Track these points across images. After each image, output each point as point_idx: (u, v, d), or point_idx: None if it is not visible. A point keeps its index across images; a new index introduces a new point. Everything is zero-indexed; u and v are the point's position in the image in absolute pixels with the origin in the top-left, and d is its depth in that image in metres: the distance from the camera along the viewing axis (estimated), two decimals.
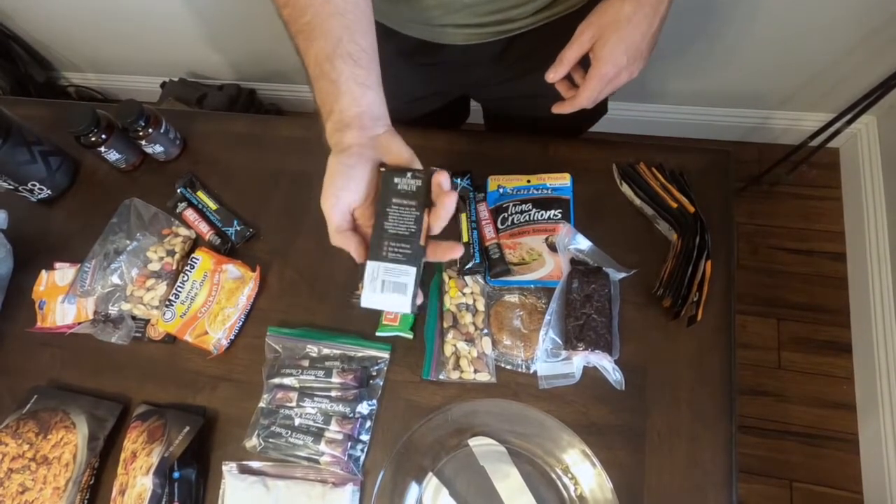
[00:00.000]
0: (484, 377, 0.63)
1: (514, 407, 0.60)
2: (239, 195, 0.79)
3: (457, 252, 0.46)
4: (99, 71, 1.75)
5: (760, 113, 1.43)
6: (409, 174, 0.45)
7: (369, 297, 0.43)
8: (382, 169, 0.46)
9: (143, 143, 0.78)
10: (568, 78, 0.57)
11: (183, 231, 0.75)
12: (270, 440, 0.61)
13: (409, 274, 0.43)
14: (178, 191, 0.78)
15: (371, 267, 0.43)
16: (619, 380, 0.61)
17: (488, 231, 0.70)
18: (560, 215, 0.71)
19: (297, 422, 0.62)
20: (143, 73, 1.69)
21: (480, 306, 0.67)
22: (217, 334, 0.67)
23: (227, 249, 0.75)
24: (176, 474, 0.60)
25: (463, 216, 0.71)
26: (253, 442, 0.62)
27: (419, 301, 0.46)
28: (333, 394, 0.63)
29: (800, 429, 1.25)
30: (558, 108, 0.59)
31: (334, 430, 0.61)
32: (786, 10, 1.10)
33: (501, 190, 0.74)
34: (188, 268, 0.71)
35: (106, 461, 0.65)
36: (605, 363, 0.62)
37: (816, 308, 1.34)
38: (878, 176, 1.32)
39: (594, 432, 0.60)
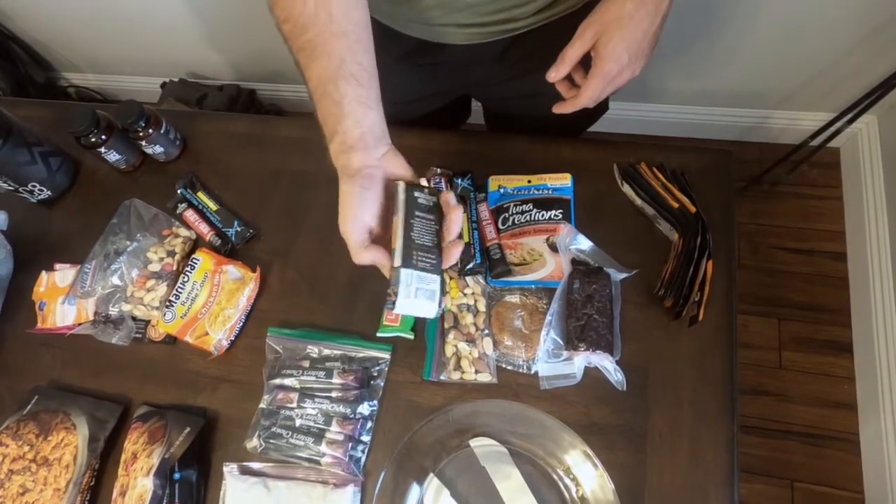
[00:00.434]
0: (485, 378, 0.63)
1: (516, 407, 0.60)
2: (239, 196, 0.79)
3: (459, 248, 0.49)
4: (99, 71, 1.75)
5: (761, 112, 1.43)
6: (425, 190, 0.50)
7: (403, 303, 0.45)
8: (400, 183, 0.49)
9: (144, 143, 0.78)
10: (568, 78, 0.57)
11: (183, 232, 0.75)
12: (271, 441, 0.61)
13: (436, 282, 0.46)
14: (179, 191, 0.78)
15: (405, 275, 0.46)
16: (620, 380, 0.61)
17: (489, 231, 0.70)
18: (561, 215, 0.71)
19: (297, 423, 0.62)
20: (142, 73, 1.69)
21: (481, 307, 0.67)
22: (217, 335, 0.67)
23: (228, 250, 0.75)
24: (177, 475, 0.60)
25: (464, 216, 0.71)
26: (254, 443, 0.62)
27: (442, 306, 0.49)
28: (334, 394, 0.63)
29: (801, 428, 1.25)
30: (559, 108, 0.59)
31: (335, 431, 0.61)
32: (786, 9, 1.10)
33: (502, 190, 0.74)
34: (188, 268, 0.71)
35: (106, 462, 0.65)
36: (607, 363, 0.62)
37: (817, 308, 1.34)
38: (878, 175, 1.32)
39: (595, 433, 0.60)
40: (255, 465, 0.62)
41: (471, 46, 0.66)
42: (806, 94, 1.33)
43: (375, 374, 0.65)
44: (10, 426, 0.64)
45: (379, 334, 0.67)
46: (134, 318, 0.71)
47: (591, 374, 0.63)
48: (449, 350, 0.64)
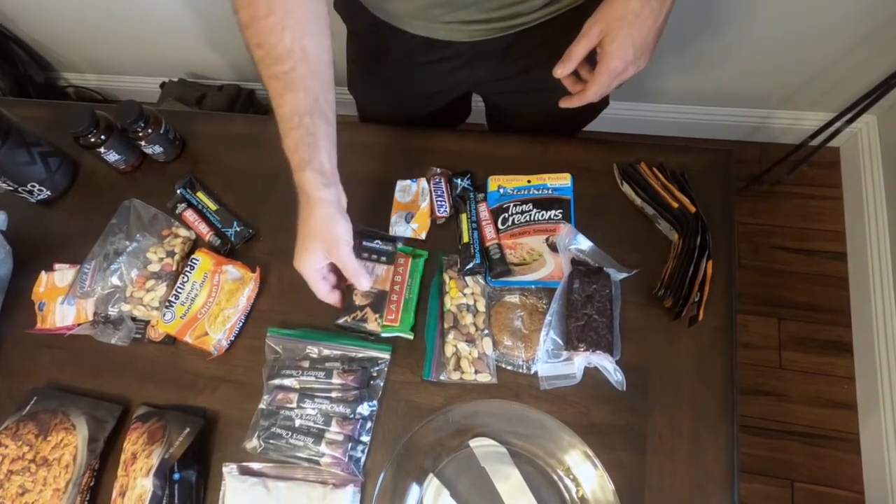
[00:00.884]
0: (485, 378, 0.63)
1: (515, 408, 0.60)
2: (239, 196, 0.79)
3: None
4: (98, 71, 1.74)
5: (761, 112, 1.43)
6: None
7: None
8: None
9: (143, 143, 0.77)
10: (574, 72, 0.58)
11: (183, 232, 0.75)
12: (271, 441, 0.61)
13: None
14: (178, 191, 0.78)
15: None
16: (620, 380, 0.61)
17: (489, 231, 0.70)
18: (561, 215, 0.70)
19: (297, 423, 0.62)
20: (142, 73, 1.68)
21: (481, 307, 0.66)
22: (217, 335, 0.67)
23: (227, 250, 0.75)
24: (176, 476, 0.60)
25: (463, 216, 0.71)
26: (253, 443, 0.62)
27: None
28: (334, 395, 0.63)
29: (801, 428, 1.25)
30: (566, 103, 0.60)
31: (335, 431, 0.61)
32: (786, 9, 1.10)
33: (502, 190, 0.74)
34: (188, 269, 0.71)
35: (106, 463, 0.65)
36: (607, 364, 0.62)
37: (817, 308, 1.34)
38: (878, 175, 1.32)
39: (595, 433, 0.60)
40: (255, 466, 0.62)
41: (475, 44, 0.66)
42: (806, 93, 1.33)
43: (375, 374, 0.65)
44: (9, 426, 0.64)
45: (381, 334, 0.67)
46: (133, 319, 0.71)
47: (591, 374, 0.63)
48: (449, 350, 0.64)
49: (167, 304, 0.69)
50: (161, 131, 0.78)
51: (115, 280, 0.71)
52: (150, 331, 0.71)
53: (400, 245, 0.71)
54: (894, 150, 1.28)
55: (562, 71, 0.56)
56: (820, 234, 1.41)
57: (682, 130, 1.52)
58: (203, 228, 0.75)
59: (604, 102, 0.80)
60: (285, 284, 0.72)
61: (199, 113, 1.43)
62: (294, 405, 0.63)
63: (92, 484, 0.63)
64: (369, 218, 0.73)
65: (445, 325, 0.66)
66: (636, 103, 1.47)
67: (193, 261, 0.71)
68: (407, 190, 0.74)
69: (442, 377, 0.64)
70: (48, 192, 0.80)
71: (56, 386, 0.70)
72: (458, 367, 0.63)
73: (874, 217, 1.30)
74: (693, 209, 0.65)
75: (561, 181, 0.73)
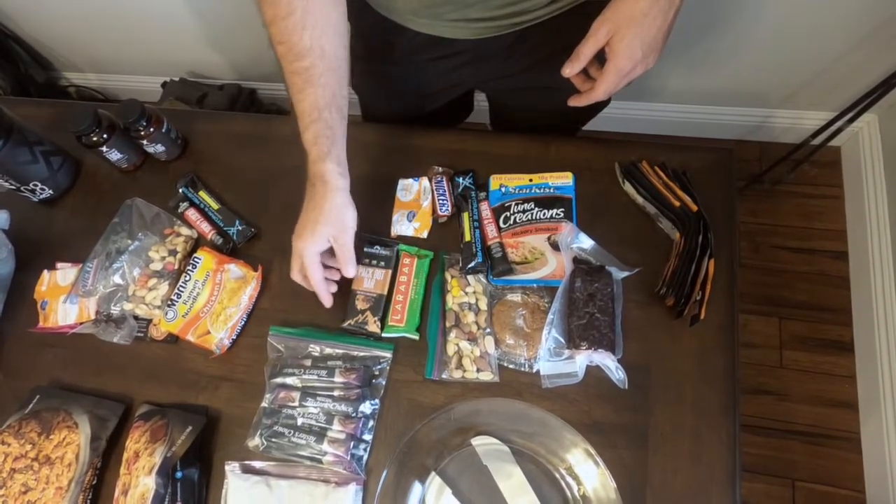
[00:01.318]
0: (487, 376, 0.63)
1: (517, 406, 0.60)
2: (241, 195, 0.79)
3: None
4: (99, 71, 1.74)
5: (762, 111, 1.43)
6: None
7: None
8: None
9: (145, 142, 0.78)
10: (583, 71, 0.58)
11: (185, 231, 0.75)
12: (273, 440, 0.61)
13: None
14: (180, 190, 0.78)
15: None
16: (622, 379, 0.61)
17: (490, 230, 0.70)
18: (562, 214, 0.71)
19: (299, 421, 0.62)
20: (143, 72, 1.68)
21: (483, 305, 0.67)
22: (219, 334, 0.67)
23: (229, 249, 0.75)
24: (179, 474, 0.60)
25: (465, 215, 0.71)
26: (255, 441, 0.62)
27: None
28: (336, 393, 0.63)
29: (802, 427, 1.25)
30: (574, 101, 0.60)
31: (337, 430, 0.61)
32: (787, 8, 1.10)
33: (504, 189, 0.74)
34: (190, 267, 0.71)
35: (108, 461, 0.65)
36: (609, 362, 0.62)
37: (818, 307, 1.34)
38: (879, 174, 1.32)
39: (597, 431, 0.60)
40: (257, 464, 0.62)
41: (478, 41, 0.66)
42: (807, 93, 1.33)
43: (377, 372, 0.65)
44: (12, 425, 0.64)
45: (384, 335, 0.67)
46: (136, 317, 0.71)
47: (593, 372, 0.63)
48: (450, 349, 0.65)
49: (169, 302, 0.69)
50: (163, 130, 0.78)
51: (117, 279, 0.71)
52: (152, 329, 0.71)
53: (402, 245, 0.72)
54: (895, 150, 1.28)
55: (570, 70, 0.56)
56: (821, 233, 1.41)
57: (683, 129, 1.52)
58: (205, 227, 0.75)
59: (605, 100, 0.81)
60: (287, 283, 0.72)
61: (201, 112, 1.43)
62: (296, 404, 0.63)
63: (94, 482, 0.63)
64: (371, 217, 0.73)
65: (447, 324, 0.66)
66: (637, 102, 1.47)
67: (195, 259, 0.71)
68: (409, 188, 0.75)
69: (444, 376, 0.64)
70: (50, 191, 0.80)
71: (58, 384, 0.70)
72: (459, 366, 0.64)
73: (875, 216, 1.30)
74: (695, 208, 0.65)
75: (563, 180, 0.73)
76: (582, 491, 0.58)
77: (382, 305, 0.68)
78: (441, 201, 0.72)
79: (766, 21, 1.14)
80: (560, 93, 0.60)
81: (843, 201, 1.44)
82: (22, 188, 0.78)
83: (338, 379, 0.63)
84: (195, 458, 0.62)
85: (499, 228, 0.71)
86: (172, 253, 0.73)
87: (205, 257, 0.71)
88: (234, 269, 0.71)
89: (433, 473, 0.60)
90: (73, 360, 0.71)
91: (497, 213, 0.72)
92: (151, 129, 0.76)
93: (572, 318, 0.63)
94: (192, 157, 0.83)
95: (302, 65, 0.56)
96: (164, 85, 1.60)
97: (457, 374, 0.63)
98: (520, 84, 0.76)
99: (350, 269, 0.62)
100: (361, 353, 0.66)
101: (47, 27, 1.55)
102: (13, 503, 0.61)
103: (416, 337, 0.66)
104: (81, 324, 0.71)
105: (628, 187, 0.71)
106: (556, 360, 0.63)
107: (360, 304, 0.68)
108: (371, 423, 0.63)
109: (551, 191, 0.72)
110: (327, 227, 0.59)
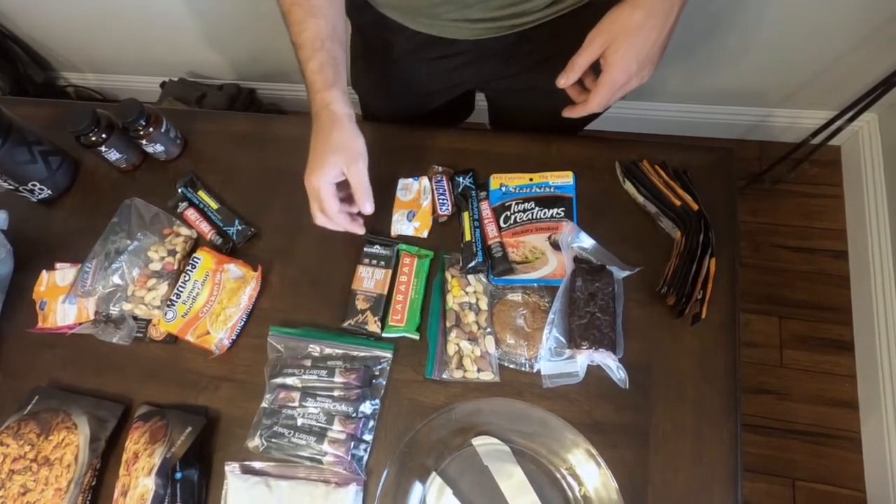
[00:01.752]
0: (487, 376, 0.63)
1: (518, 406, 0.60)
2: (240, 194, 0.79)
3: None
4: (98, 71, 1.74)
5: (762, 111, 1.43)
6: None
7: None
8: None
9: (144, 142, 0.77)
10: (578, 82, 0.58)
11: (184, 231, 0.75)
12: (273, 440, 0.61)
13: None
14: (179, 190, 0.78)
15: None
16: (623, 378, 0.61)
17: (491, 230, 0.70)
18: (563, 213, 0.70)
19: (299, 422, 0.62)
20: (142, 72, 1.68)
21: (483, 305, 0.66)
22: (219, 334, 0.67)
23: (229, 249, 0.75)
24: (178, 475, 0.59)
25: (465, 215, 0.71)
26: (255, 442, 0.62)
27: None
28: (336, 393, 0.63)
29: (802, 427, 1.25)
30: (569, 112, 0.60)
31: (337, 430, 0.61)
32: (788, 8, 1.10)
33: (504, 188, 0.73)
34: (189, 267, 0.70)
35: (108, 462, 0.65)
36: (610, 362, 0.61)
37: (818, 306, 1.34)
38: (879, 173, 1.32)
39: (598, 431, 0.60)
40: (257, 465, 0.62)
41: (478, 42, 0.66)
42: (807, 92, 1.33)
43: (377, 372, 0.65)
44: (10, 426, 0.64)
45: (384, 335, 0.67)
46: (135, 318, 0.71)
47: (594, 372, 0.63)
48: (451, 348, 0.64)
49: (169, 303, 0.69)
50: (162, 130, 0.77)
51: (116, 279, 0.71)
52: (151, 330, 0.71)
53: (403, 245, 0.71)
54: (895, 149, 1.28)
55: (564, 81, 0.56)
56: (821, 232, 1.41)
57: (683, 129, 1.52)
58: (204, 227, 0.75)
59: None
60: (287, 283, 0.72)
61: (200, 112, 1.43)
62: (296, 404, 0.63)
63: (94, 483, 0.63)
64: (371, 216, 0.72)
65: (448, 324, 0.66)
66: (638, 102, 1.47)
67: (195, 260, 0.71)
68: (409, 188, 0.74)
69: (444, 375, 0.64)
70: (49, 191, 0.80)
71: (57, 385, 0.70)
72: (460, 366, 0.63)
73: (875, 215, 1.30)
74: (696, 207, 0.65)
75: (563, 179, 0.72)
76: (583, 491, 0.57)
77: (382, 305, 0.67)
78: (441, 201, 0.72)
79: (766, 21, 1.14)
80: (558, 95, 0.60)
81: (843, 200, 1.44)
82: (20, 188, 0.77)
83: (338, 379, 0.63)
84: (195, 458, 0.62)
85: (499, 228, 0.71)
86: (172, 253, 0.73)
87: (204, 257, 0.71)
88: (234, 269, 0.71)
89: (434, 474, 0.60)
90: (72, 361, 0.71)
91: (497, 212, 0.72)
92: (150, 129, 0.76)
93: (573, 317, 0.63)
94: (192, 157, 0.83)
95: None
96: (162, 85, 1.60)
97: (457, 374, 0.63)
98: (520, 85, 0.75)
99: (367, 205, 0.60)
100: (361, 353, 0.66)
101: (46, 27, 1.55)
102: None
103: (417, 337, 0.66)
104: (80, 324, 0.71)
105: (629, 186, 0.71)
106: (556, 359, 0.63)
107: (360, 304, 0.68)
108: (371, 423, 0.63)
109: (552, 190, 0.72)
110: (337, 156, 0.57)
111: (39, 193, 0.79)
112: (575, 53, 0.55)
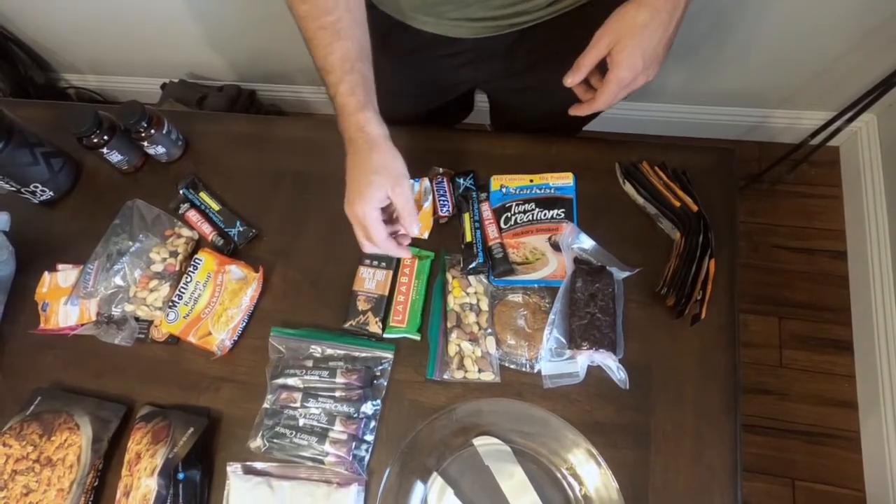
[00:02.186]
0: (488, 377, 0.63)
1: (519, 406, 0.60)
2: (241, 196, 0.79)
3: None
4: (98, 72, 1.74)
5: (761, 111, 1.43)
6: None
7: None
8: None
9: (146, 144, 0.78)
10: (584, 80, 0.58)
11: (186, 232, 0.75)
12: (275, 441, 0.61)
13: None
14: (181, 192, 0.78)
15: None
16: (623, 379, 0.61)
17: (491, 231, 0.70)
18: (563, 214, 0.71)
19: (301, 422, 0.62)
20: (142, 74, 1.68)
21: (484, 306, 0.67)
22: (220, 335, 0.67)
23: (230, 250, 0.75)
24: (180, 475, 0.60)
25: (466, 216, 0.71)
26: (257, 442, 0.62)
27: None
28: (337, 394, 0.63)
29: (802, 427, 1.25)
30: (575, 111, 0.61)
31: (339, 431, 0.61)
32: (787, 9, 1.10)
33: (504, 189, 0.74)
34: (191, 269, 0.71)
35: (110, 462, 0.65)
36: (610, 362, 0.62)
37: (818, 306, 1.34)
38: (878, 174, 1.32)
39: (599, 431, 0.60)
40: (259, 465, 0.62)
41: (479, 40, 0.66)
42: (806, 93, 1.33)
43: (378, 373, 0.65)
44: (13, 427, 0.64)
45: (385, 335, 0.67)
46: (137, 319, 0.71)
47: (594, 372, 0.63)
48: (452, 349, 0.65)
49: (170, 304, 0.69)
50: (164, 132, 0.78)
51: (118, 280, 0.71)
52: (153, 331, 0.71)
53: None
54: (894, 149, 1.29)
55: (571, 80, 0.57)
56: (820, 232, 1.42)
57: (682, 130, 1.52)
58: (206, 228, 0.75)
59: None
60: (288, 284, 0.73)
61: (201, 113, 1.43)
62: (298, 404, 0.63)
63: (96, 484, 0.63)
64: None
65: (448, 325, 0.66)
66: (637, 103, 1.47)
67: (196, 261, 0.71)
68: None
69: (445, 376, 0.64)
70: (51, 193, 0.80)
71: (60, 386, 0.70)
72: (461, 366, 0.64)
73: (874, 216, 1.30)
74: (695, 208, 0.65)
75: (563, 180, 0.73)
76: (584, 491, 0.58)
77: (384, 306, 0.68)
78: (442, 202, 0.72)
79: (766, 21, 1.14)
80: (560, 93, 0.60)
81: (842, 201, 1.44)
82: (22, 190, 0.78)
83: (339, 380, 0.63)
84: (197, 459, 0.62)
85: (500, 229, 0.71)
86: (173, 254, 0.73)
87: (206, 258, 0.71)
88: (235, 270, 0.71)
89: (435, 474, 0.60)
90: (74, 362, 0.71)
91: (498, 213, 0.72)
92: (152, 131, 0.76)
93: (573, 318, 0.63)
94: (193, 159, 0.83)
95: (329, 19, 0.55)
96: (163, 86, 1.60)
97: (458, 375, 0.63)
98: (520, 84, 0.76)
99: (413, 226, 0.57)
100: (363, 354, 0.66)
101: (47, 29, 1.55)
102: None
103: (418, 337, 0.66)
104: (82, 325, 0.71)
105: (629, 187, 0.71)
106: (557, 360, 0.63)
107: (361, 305, 0.68)
108: (373, 423, 0.63)
109: (552, 191, 0.72)
110: (380, 178, 0.54)
111: (41, 195, 0.79)
112: (579, 52, 0.55)
